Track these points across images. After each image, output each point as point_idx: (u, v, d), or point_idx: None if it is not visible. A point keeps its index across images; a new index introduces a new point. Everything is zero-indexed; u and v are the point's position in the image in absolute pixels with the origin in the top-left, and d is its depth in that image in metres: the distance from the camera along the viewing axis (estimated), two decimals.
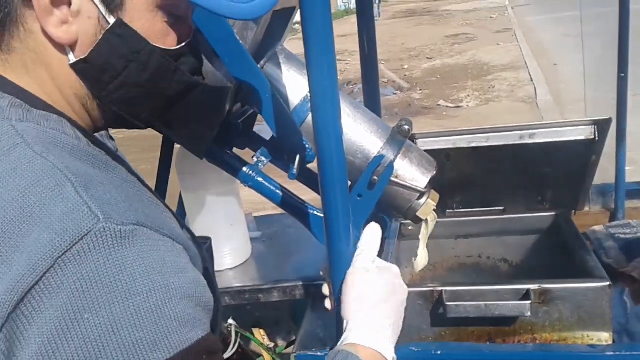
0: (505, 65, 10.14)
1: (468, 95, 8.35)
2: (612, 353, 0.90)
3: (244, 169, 1.04)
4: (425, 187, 1.04)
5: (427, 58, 11.33)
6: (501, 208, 1.38)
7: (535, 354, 0.94)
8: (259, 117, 1.03)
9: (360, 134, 1.05)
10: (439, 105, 7.95)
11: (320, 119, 0.64)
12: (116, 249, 0.46)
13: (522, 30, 14.23)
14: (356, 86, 8.18)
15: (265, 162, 1.08)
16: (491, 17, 16.72)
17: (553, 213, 1.33)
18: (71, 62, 0.55)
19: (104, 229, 0.46)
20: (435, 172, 1.00)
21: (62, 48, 0.55)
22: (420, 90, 8.92)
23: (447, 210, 1.39)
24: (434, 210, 1.07)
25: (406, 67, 10.51)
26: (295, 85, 1.05)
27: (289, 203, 1.03)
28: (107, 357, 0.43)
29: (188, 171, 1.26)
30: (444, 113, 7.52)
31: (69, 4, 0.53)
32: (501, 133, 1.19)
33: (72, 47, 0.55)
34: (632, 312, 1.10)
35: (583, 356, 0.90)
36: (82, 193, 0.47)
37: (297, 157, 0.99)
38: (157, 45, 0.57)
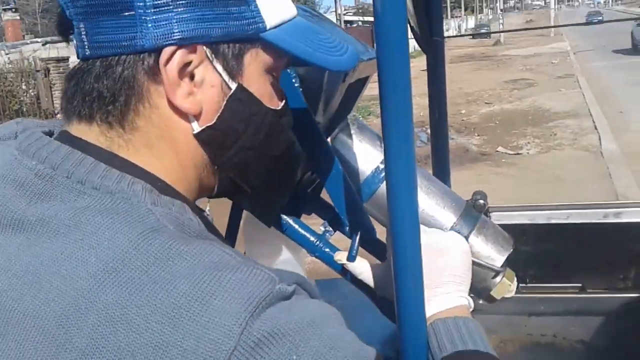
0: (567, 112, 9.92)
1: (528, 142, 8.18)
2: None
3: (312, 238, 1.02)
4: (501, 266, 0.99)
5: (486, 103, 11.23)
6: (579, 285, 1.30)
7: None
8: None
9: (433, 207, 1.00)
10: (497, 151, 7.81)
11: (395, 187, 0.61)
12: (297, 303, 0.48)
13: (584, 76, 13.97)
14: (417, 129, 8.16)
15: (332, 232, 1.06)
16: (552, 62, 16.51)
17: (636, 295, 1.23)
18: (196, 131, 0.56)
19: (281, 290, 0.47)
20: (511, 250, 0.95)
21: (187, 119, 0.56)
22: (479, 135, 8.80)
23: (520, 285, 1.32)
24: (509, 288, 1.01)
25: (463, 112, 10.43)
26: (367, 156, 1.03)
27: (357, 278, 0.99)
28: None
29: (256, 239, 1.24)
30: (503, 160, 7.37)
31: (192, 76, 0.54)
32: (583, 210, 1.12)
33: (197, 116, 0.56)
34: None
35: None
36: (244, 263, 0.48)
37: (357, 237, 0.97)
38: (269, 106, 0.60)
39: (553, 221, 1.13)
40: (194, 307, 0.44)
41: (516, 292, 1.08)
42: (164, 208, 0.53)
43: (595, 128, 8.70)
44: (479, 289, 1.00)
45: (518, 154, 7.79)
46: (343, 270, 1.01)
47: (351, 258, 0.97)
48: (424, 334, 0.71)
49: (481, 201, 1.09)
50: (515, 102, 11.23)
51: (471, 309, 0.74)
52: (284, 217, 1.05)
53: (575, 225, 1.11)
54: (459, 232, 1.01)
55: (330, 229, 1.04)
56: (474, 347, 0.64)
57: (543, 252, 1.21)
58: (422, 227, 0.76)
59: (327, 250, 1.00)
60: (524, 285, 1.32)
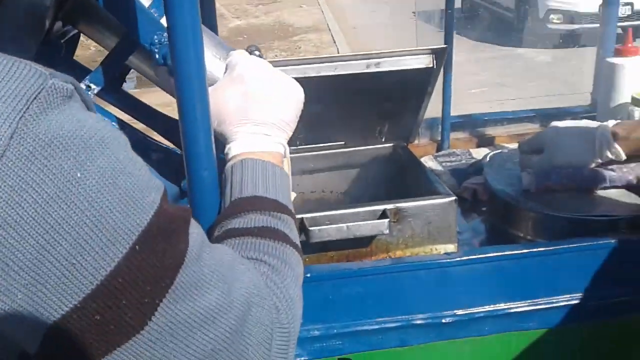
0: (309, 27, 10.45)
1: (276, 56, 8.45)
2: (460, 259, 0.97)
3: None
4: None
5: (233, 17, 11.19)
6: (342, 143, 1.40)
7: (393, 267, 0.97)
8: None
9: (208, 58, 0.97)
10: None
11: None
12: (69, 106, 0.41)
13: None
14: None
15: (95, 89, 0.95)
16: None
17: (391, 144, 1.38)
18: None
19: (56, 86, 0.40)
20: None
21: None
22: None
23: (291, 147, 1.37)
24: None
25: None
26: None
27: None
28: (108, 210, 0.41)
29: None
30: None
31: None
32: (348, 62, 1.20)
33: None
34: (464, 227, 1.21)
35: (438, 264, 0.96)
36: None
37: None
38: None
39: (322, 73, 1.19)
40: None
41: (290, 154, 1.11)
42: None
43: (334, 42, 9.36)
44: None
45: None
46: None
47: (160, 61, 0.89)
48: (212, 166, 0.70)
49: (257, 52, 1.08)
50: (261, 17, 11.40)
51: (285, 159, 0.72)
52: None
53: (341, 77, 1.17)
54: None
55: (93, 85, 0.93)
56: (274, 197, 0.64)
57: (311, 112, 1.26)
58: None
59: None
60: (294, 147, 1.38)
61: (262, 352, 0.51)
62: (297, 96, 0.75)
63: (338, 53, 8.45)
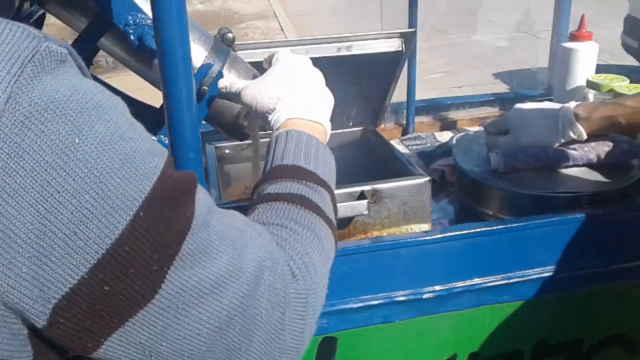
0: (255, 14, 10.36)
1: None
2: (437, 236, 1.00)
3: None
4: None
5: None
6: None
7: (375, 246, 0.99)
8: None
9: None
10: None
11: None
12: (64, 71, 0.40)
13: None
14: None
15: None
16: None
17: (360, 128, 1.40)
18: None
19: (50, 50, 0.39)
20: None
21: None
22: None
23: (261, 132, 1.37)
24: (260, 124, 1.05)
25: None
26: None
27: None
28: (109, 176, 0.40)
29: None
30: None
31: None
32: (320, 45, 1.20)
33: None
34: (435, 207, 1.24)
35: (417, 242, 0.99)
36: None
37: None
38: None
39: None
40: None
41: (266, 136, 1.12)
42: None
43: (282, 29, 9.30)
44: (232, 124, 1.02)
45: None
46: None
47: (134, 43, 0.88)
48: (197, 148, 0.71)
49: (230, 34, 1.08)
50: (206, 3, 11.21)
51: (328, 136, 0.76)
52: None
53: (315, 59, 1.18)
54: (211, 65, 0.99)
55: None
56: (314, 170, 0.65)
57: None
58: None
59: None
60: (263, 132, 1.38)
61: (276, 317, 0.50)
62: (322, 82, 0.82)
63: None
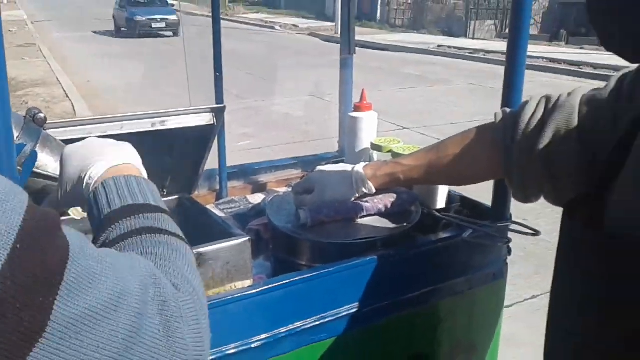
0: (35, 80, 9.74)
1: None
2: (259, 289, 1.10)
3: None
4: None
5: None
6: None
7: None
8: None
9: None
10: None
11: None
12: None
13: (47, 46, 13.92)
14: None
15: None
16: (10, 31, 15.67)
17: (176, 197, 1.47)
18: None
19: None
20: None
21: None
22: None
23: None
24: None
25: None
26: None
27: None
28: None
29: None
30: None
31: None
32: (134, 121, 1.27)
33: None
34: (253, 264, 1.35)
35: (242, 297, 1.08)
36: None
37: None
38: None
39: (109, 132, 1.24)
40: None
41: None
42: None
43: (67, 96, 8.86)
44: (50, 202, 1.03)
45: None
46: None
47: None
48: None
49: (41, 115, 1.12)
50: None
51: (144, 174, 0.81)
52: None
53: (130, 134, 1.24)
54: (24, 145, 1.01)
55: None
56: (144, 201, 0.69)
57: None
58: None
59: None
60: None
61: (174, 329, 0.52)
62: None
63: (73, 108, 8.04)
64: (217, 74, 1.54)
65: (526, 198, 1.07)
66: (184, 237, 0.68)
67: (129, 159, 0.81)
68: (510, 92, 1.21)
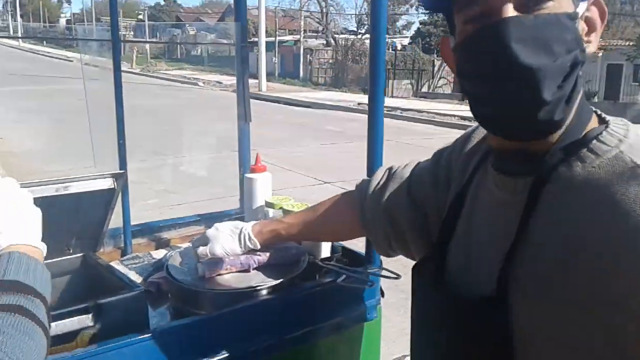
0: None
1: None
2: (152, 334, 1.23)
3: None
4: None
5: None
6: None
7: (100, 349, 1.14)
8: None
9: None
10: None
11: None
12: None
13: None
14: None
15: None
16: None
17: (80, 255, 1.58)
18: None
19: None
20: None
21: None
22: None
23: None
24: None
25: None
26: None
27: None
28: None
29: None
30: None
31: None
32: (40, 187, 1.38)
33: None
34: (153, 314, 1.47)
35: (137, 340, 1.19)
36: None
37: None
38: None
39: None
40: None
41: None
42: None
43: None
44: None
45: None
46: None
47: None
48: None
49: None
50: None
51: (44, 254, 0.89)
52: None
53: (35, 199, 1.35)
54: None
55: None
56: (32, 285, 0.78)
57: None
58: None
59: None
60: None
61: None
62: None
63: None
64: (120, 141, 1.69)
65: (384, 252, 1.27)
66: (47, 327, 0.75)
67: (38, 236, 0.88)
68: (371, 160, 1.44)
